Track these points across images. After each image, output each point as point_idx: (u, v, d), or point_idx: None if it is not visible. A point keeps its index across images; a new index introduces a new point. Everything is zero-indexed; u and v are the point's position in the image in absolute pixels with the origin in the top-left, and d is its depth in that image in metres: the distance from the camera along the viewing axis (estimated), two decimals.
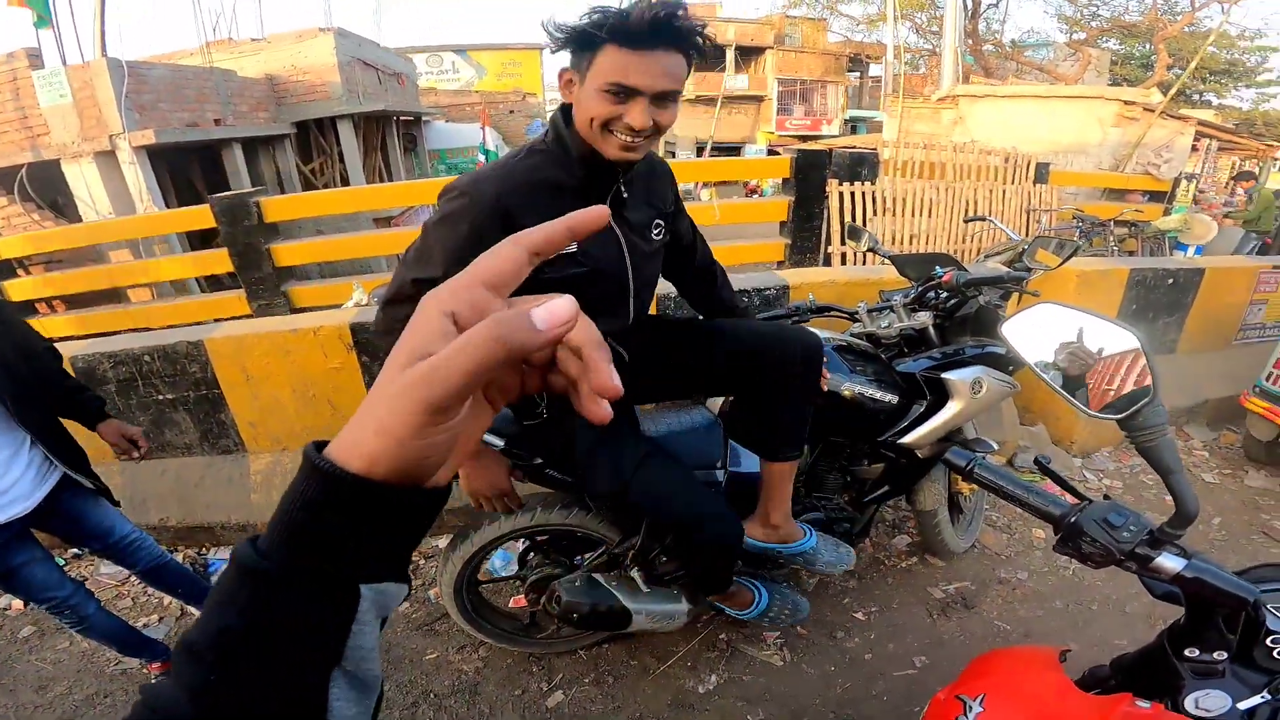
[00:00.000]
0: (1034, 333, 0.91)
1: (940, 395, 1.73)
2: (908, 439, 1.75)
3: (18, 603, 2.40)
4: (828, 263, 5.02)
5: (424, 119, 16.08)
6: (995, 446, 2.06)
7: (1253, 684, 0.76)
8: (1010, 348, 0.94)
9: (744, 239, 5.13)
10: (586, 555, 1.79)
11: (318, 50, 10.55)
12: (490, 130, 14.31)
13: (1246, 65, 21.55)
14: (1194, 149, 11.02)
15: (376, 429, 0.30)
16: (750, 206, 5.43)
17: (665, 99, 1.06)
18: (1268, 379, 2.97)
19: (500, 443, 1.48)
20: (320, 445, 0.32)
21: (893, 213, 5.53)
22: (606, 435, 1.35)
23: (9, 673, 2.13)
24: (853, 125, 25.47)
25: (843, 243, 4.96)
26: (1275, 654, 0.75)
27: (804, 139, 21.37)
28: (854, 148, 5.98)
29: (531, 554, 1.85)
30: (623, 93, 1.03)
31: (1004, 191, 6.01)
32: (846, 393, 1.67)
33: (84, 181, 7.03)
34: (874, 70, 27.00)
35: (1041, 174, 6.22)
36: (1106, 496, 0.86)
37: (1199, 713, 0.75)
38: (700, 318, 1.64)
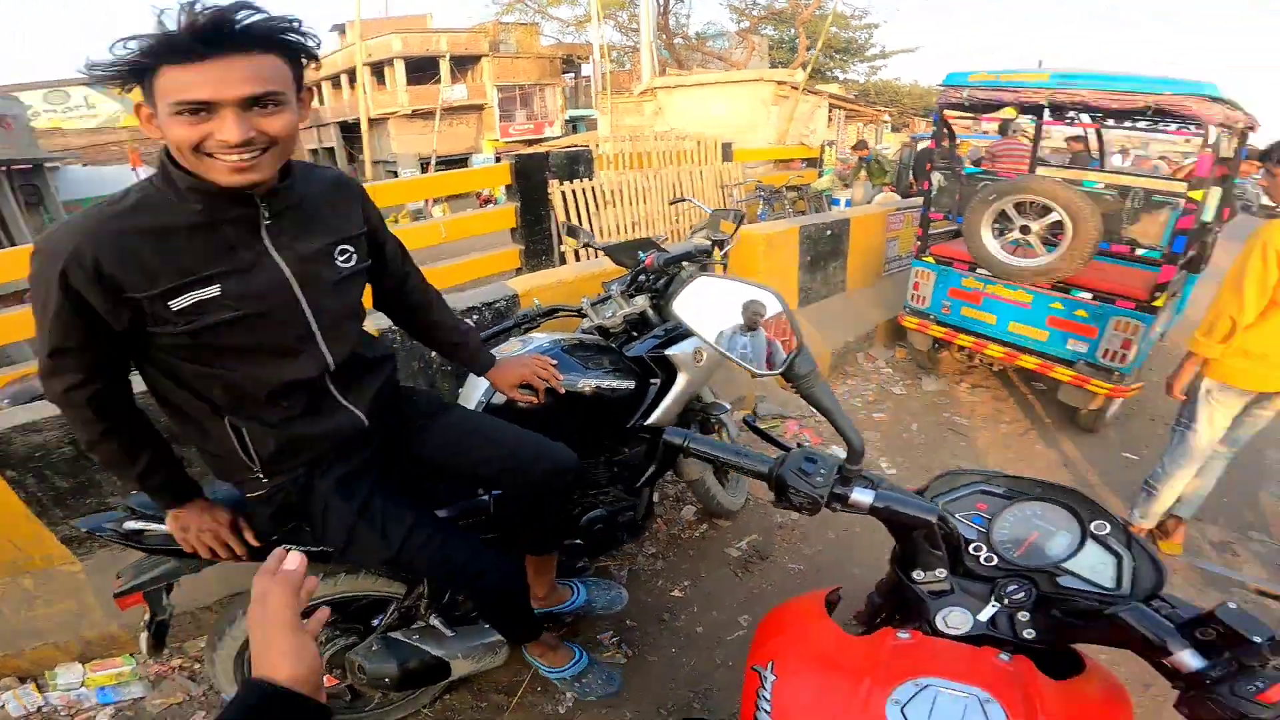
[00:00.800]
0: (699, 305, 0.94)
1: (671, 371, 1.83)
2: (653, 418, 1.83)
3: None
4: (564, 262, 5.11)
5: (48, 166, 12.71)
6: (728, 407, 2.26)
7: (979, 594, 0.80)
8: (682, 323, 0.97)
9: (477, 251, 4.97)
10: (379, 617, 1.61)
11: None
12: (145, 170, 11.85)
13: (859, 43, 26.27)
14: (829, 119, 13.70)
15: (280, 653, 0.59)
16: (477, 218, 5.26)
17: (262, 103, 0.92)
18: (911, 299, 3.78)
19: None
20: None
21: (612, 204, 5.85)
22: (364, 510, 1.26)
23: None
24: (573, 124, 26.57)
25: (563, 242, 5.11)
26: (982, 560, 0.81)
27: (529, 143, 21.71)
28: (573, 146, 6.19)
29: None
30: (198, 109, 0.89)
31: (700, 172, 6.75)
32: (586, 389, 1.69)
33: None
34: (586, 70, 28.42)
35: (726, 153, 7.13)
36: (800, 444, 0.90)
37: (951, 630, 0.79)
38: (456, 404, 1.57)
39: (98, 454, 1.13)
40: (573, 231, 2.37)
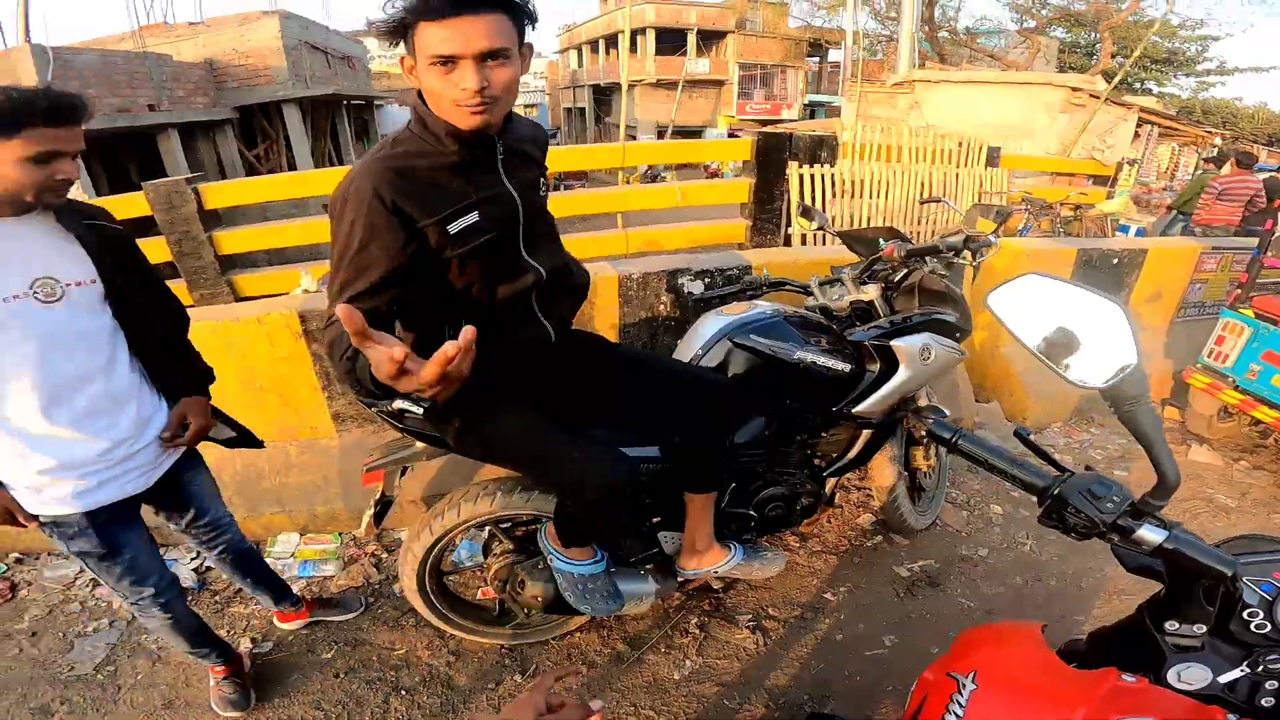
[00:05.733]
0: (1018, 303, 0.90)
1: (891, 363, 1.76)
2: (860, 407, 1.78)
3: (25, 589, 2.30)
4: (788, 243, 5.04)
5: (376, 103, 15.60)
6: (947, 413, 2.09)
7: (1230, 657, 0.77)
8: (997, 318, 0.93)
9: (707, 220, 5.12)
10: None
11: (261, 33, 10.11)
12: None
13: (1187, 55, 21.95)
14: (1135, 135, 11.46)
15: None
16: (713, 188, 5.41)
17: (493, 58, 1.07)
18: (1209, 355, 3.10)
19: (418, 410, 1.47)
20: None
21: (851, 195, 5.59)
22: (497, 405, 1.38)
23: None
24: (811, 110, 25.71)
25: (791, 224, 4.99)
26: (1253, 627, 0.76)
27: (764, 123, 21.46)
28: (813, 131, 6.01)
29: (495, 542, 1.81)
30: (446, 62, 1.06)
31: (957, 175, 6.12)
32: (801, 363, 1.69)
33: None
34: (833, 55, 27.22)
35: (992, 158, 6.36)
36: (1088, 468, 0.86)
37: (1181, 685, 0.76)
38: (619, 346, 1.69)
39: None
40: (807, 213, 2.33)
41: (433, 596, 1.81)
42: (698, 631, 2.02)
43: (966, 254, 2.00)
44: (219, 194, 4.75)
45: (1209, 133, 15.64)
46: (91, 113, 1.21)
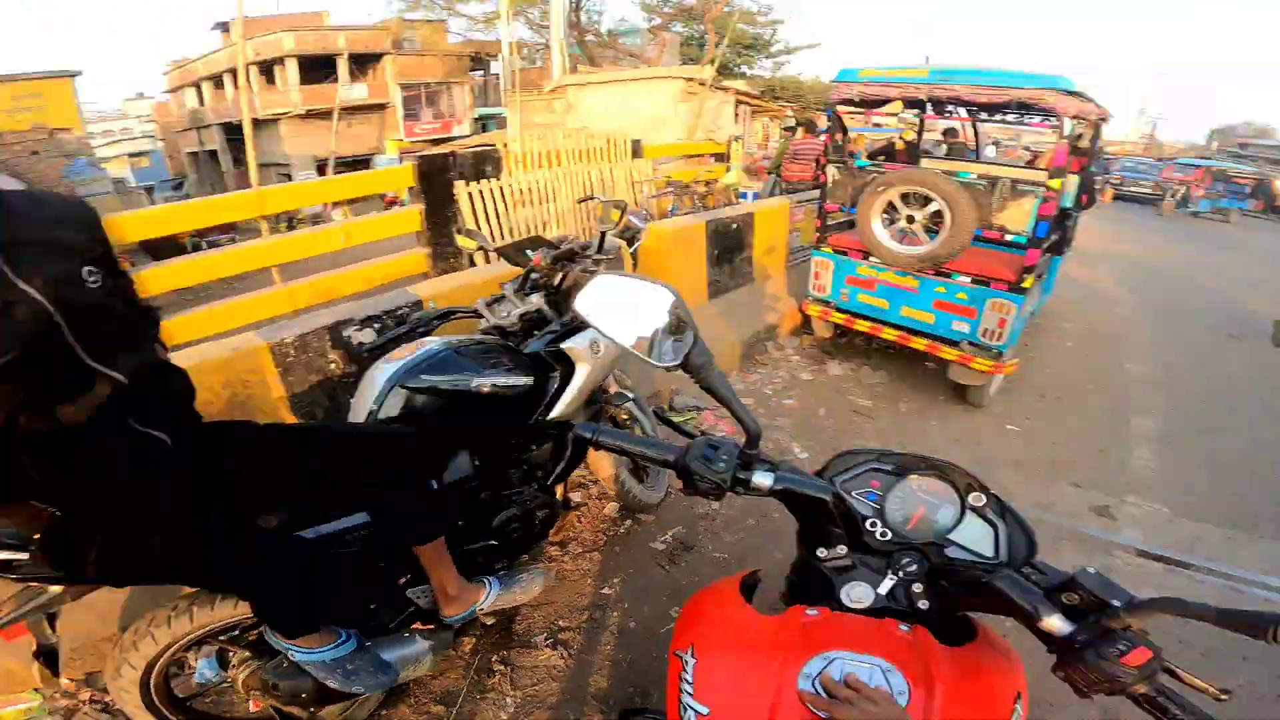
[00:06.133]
0: (602, 303, 0.94)
1: (569, 365, 1.83)
2: (555, 412, 1.82)
3: None
4: (474, 264, 4.97)
5: None
6: (631, 395, 2.28)
7: (880, 568, 0.83)
8: (586, 321, 0.96)
9: (382, 256, 4.74)
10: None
11: None
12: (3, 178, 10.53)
13: (764, 40, 26.11)
14: (735, 115, 14.05)
15: None
16: (379, 222, 4.99)
17: None
18: (812, 288, 3.94)
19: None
20: None
21: (524, 204, 5.74)
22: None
23: None
24: (483, 124, 25.88)
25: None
26: (878, 535, 0.83)
27: (436, 142, 20.93)
28: (482, 145, 6.00)
29: (229, 653, 1.53)
30: None
31: (611, 170, 6.74)
32: (483, 389, 1.66)
33: None
34: (495, 67, 27.66)
35: (636, 150, 7.15)
36: (703, 432, 0.93)
37: (855, 605, 0.81)
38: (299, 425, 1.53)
39: None
40: (470, 234, 2.41)
41: None
42: (503, 667, 1.92)
43: (622, 243, 2.21)
44: None
45: (783, 106, 19.92)
46: None
